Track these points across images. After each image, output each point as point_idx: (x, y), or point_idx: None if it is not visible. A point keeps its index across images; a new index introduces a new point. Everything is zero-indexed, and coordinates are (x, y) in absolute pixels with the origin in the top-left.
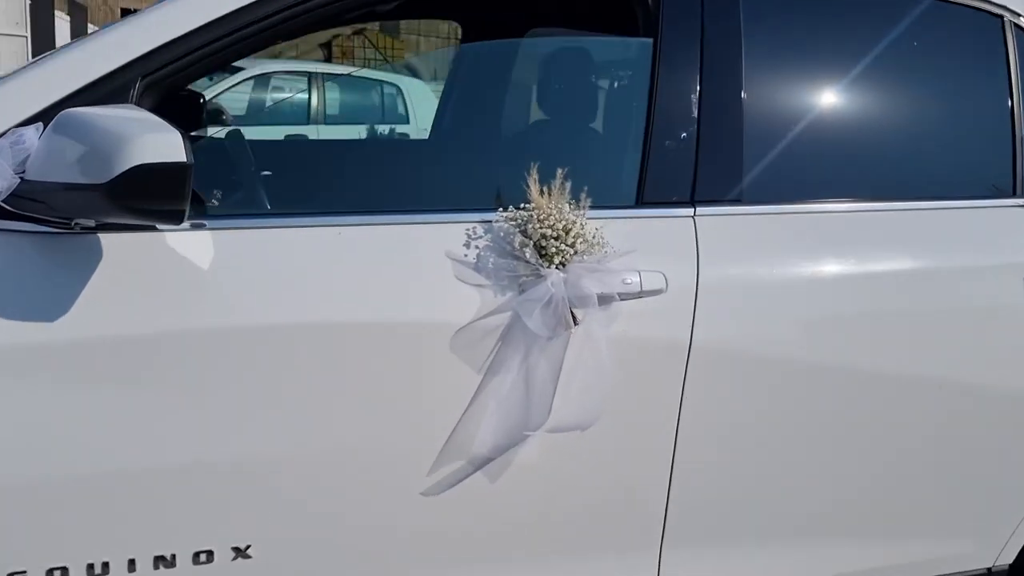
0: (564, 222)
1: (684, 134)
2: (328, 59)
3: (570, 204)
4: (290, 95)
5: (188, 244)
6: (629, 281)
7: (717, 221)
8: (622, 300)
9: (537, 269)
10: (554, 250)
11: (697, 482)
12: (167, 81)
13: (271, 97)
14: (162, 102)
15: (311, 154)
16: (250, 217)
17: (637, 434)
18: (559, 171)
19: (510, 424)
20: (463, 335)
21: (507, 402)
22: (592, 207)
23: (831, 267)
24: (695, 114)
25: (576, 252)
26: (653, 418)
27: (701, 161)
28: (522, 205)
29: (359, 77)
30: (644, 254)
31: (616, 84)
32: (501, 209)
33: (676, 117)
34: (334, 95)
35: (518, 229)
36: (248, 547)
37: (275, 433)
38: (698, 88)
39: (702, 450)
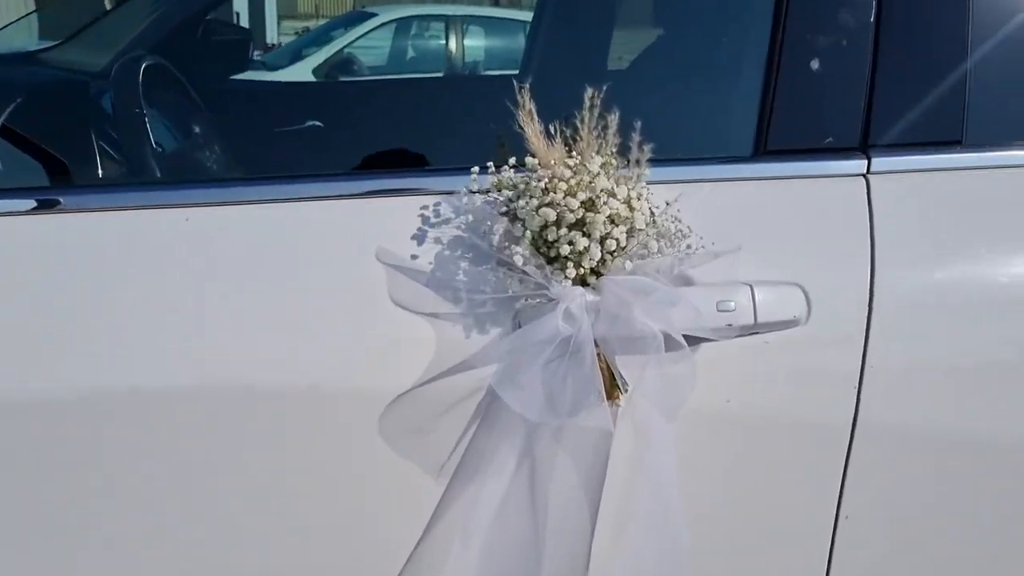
0: (595, 192)
1: (848, 23)
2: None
3: (610, 157)
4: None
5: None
6: (731, 306)
7: (913, 181)
8: (719, 340)
9: (542, 285)
10: (573, 248)
11: None
12: None
13: (412, 45)
14: None
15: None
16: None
17: None
18: (589, 93)
19: None
20: (403, 411)
21: (491, 542)
22: (659, 162)
23: None
24: None
25: (622, 250)
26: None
27: (881, 72)
28: (510, 165)
29: (514, 20)
30: (763, 250)
31: None
32: (475, 171)
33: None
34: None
35: (505, 207)
36: None
37: None
38: None
39: None
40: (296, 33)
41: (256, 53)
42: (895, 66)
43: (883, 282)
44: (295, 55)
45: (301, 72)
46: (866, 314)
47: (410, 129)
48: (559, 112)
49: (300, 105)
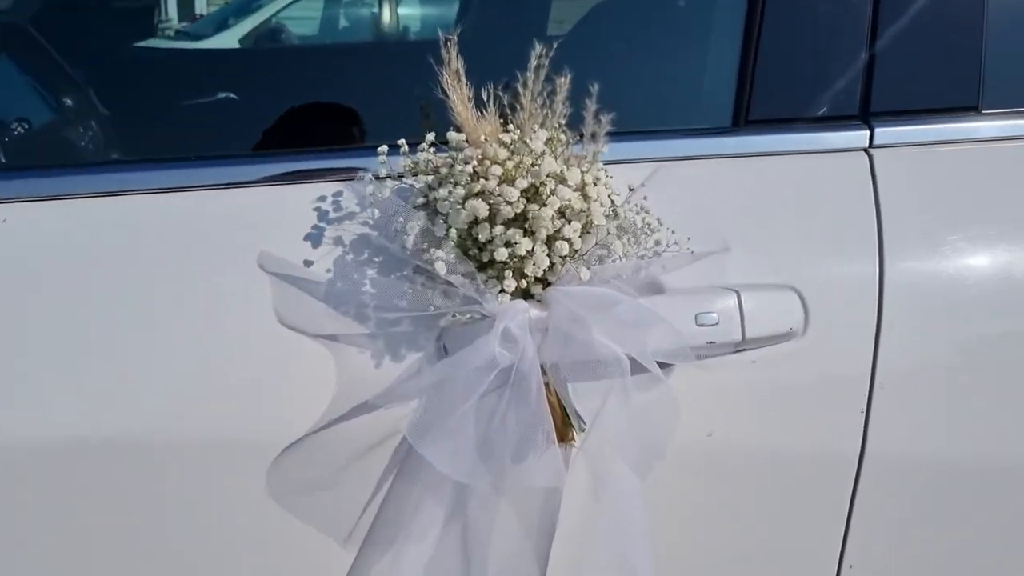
0: (539, 178)
1: None
2: None
3: (558, 131)
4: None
5: None
6: (713, 318)
7: (923, 156)
8: (699, 359)
9: (473, 299)
10: (512, 252)
11: None
12: None
13: (344, 13)
14: None
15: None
16: None
17: None
18: (536, 50)
19: None
20: (297, 462)
21: None
22: (619, 136)
23: None
24: None
25: (575, 253)
26: None
27: (885, 24)
28: (429, 143)
29: None
30: (748, 244)
31: None
32: (383, 151)
33: None
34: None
35: (422, 198)
36: None
37: None
38: None
39: None
40: (226, 2)
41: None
42: (900, 17)
43: (894, 280)
44: (221, 24)
45: (226, 42)
46: (875, 321)
47: (330, 101)
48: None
49: (207, 75)
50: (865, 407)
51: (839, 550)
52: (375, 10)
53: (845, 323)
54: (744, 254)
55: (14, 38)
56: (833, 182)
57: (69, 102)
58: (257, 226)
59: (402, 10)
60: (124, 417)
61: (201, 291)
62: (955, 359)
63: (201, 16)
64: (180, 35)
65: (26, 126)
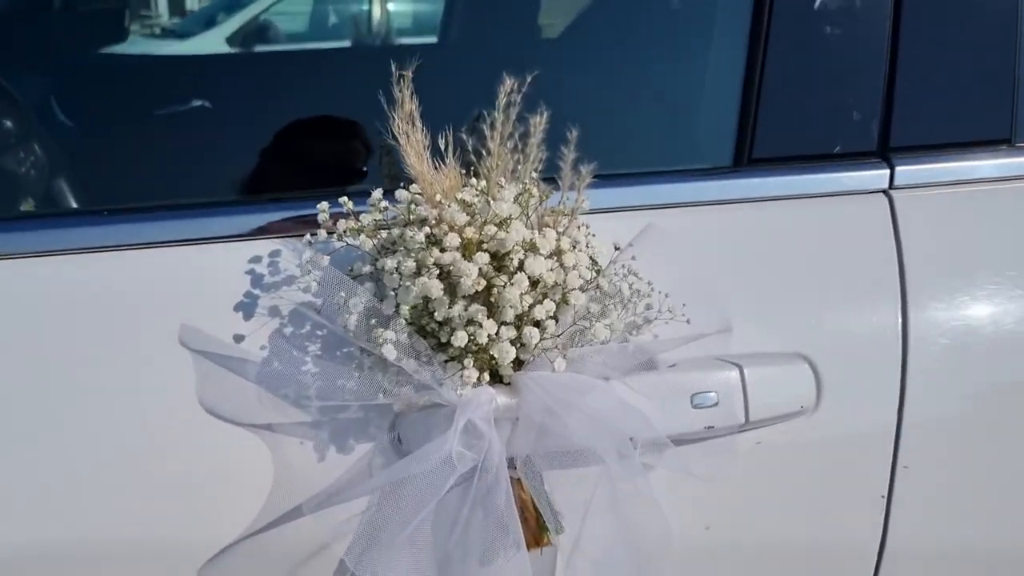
0: (506, 249)
1: None
2: None
3: (531, 184)
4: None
5: None
6: (711, 399)
7: (950, 197)
8: (691, 444)
9: (430, 386)
10: (473, 339)
11: None
12: None
13: (335, 9)
14: None
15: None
16: None
17: None
18: (506, 85)
19: None
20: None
21: None
22: (603, 180)
23: None
24: None
25: (550, 336)
26: None
27: (906, 50)
28: (378, 199)
29: None
30: (753, 307)
31: None
32: (323, 207)
33: None
34: (408, 5)
35: (368, 266)
36: None
37: None
38: None
39: None
40: None
41: (173, 20)
42: (923, 39)
43: (920, 339)
44: (208, 21)
45: (214, 40)
46: (898, 389)
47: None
48: (480, 93)
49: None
50: (887, 492)
51: None
52: (365, 7)
53: (863, 393)
54: (747, 319)
55: None
56: (849, 229)
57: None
58: (176, 293)
59: (392, 6)
60: (39, 522)
61: (113, 371)
62: (994, 431)
63: (191, 12)
64: (166, 33)
65: None
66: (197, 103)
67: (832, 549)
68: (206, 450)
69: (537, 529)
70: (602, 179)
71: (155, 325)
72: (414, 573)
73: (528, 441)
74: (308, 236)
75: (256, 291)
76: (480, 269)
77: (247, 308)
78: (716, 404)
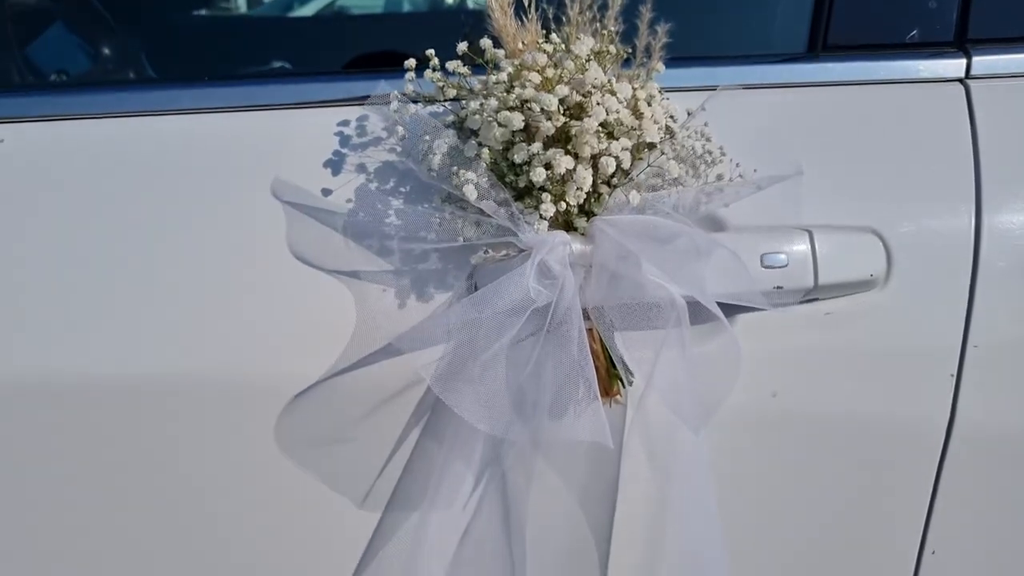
0: (584, 88)
1: None
2: None
3: (607, 44)
4: None
5: None
6: (781, 260)
7: None
8: (764, 310)
9: (507, 229)
10: (551, 174)
11: None
12: None
13: None
14: None
15: None
16: None
17: None
18: None
19: None
20: (310, 412)
21: None
22: (677, 61)
23: None
24: None
25: (625, 176)
26: None
27: None
28: (462, 53)
29: None
30: (825, 182)
31: None
32: (411, 66)
33: None
34: None
35: (452, 115)
36: None
37: None
38: None
39: None
40: None
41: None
42: None
43: (993, 229)
44: (286, 7)
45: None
46: (969, 273)
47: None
48: None
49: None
50: (956, 370)
51: (921, 532)
52: None
53: (934, 274)
54: (819, 192)
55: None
56: (923, 117)
57: (107, 51)
58: (272, 152)
59: None
60: (123, 354)
61: (211, 220)
62: None
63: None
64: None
65: (64, 77)
66: None
67: (899, 425)
68: (293, 292)
69: (608, 380)
70: (676, 60)
71: (253, 176)
72: (483, 408)
73: (602, 290)
74: (395, 93)
75: (343, 150)
76: (560, 100)
77: (335, 165)
78: (786, 265)
